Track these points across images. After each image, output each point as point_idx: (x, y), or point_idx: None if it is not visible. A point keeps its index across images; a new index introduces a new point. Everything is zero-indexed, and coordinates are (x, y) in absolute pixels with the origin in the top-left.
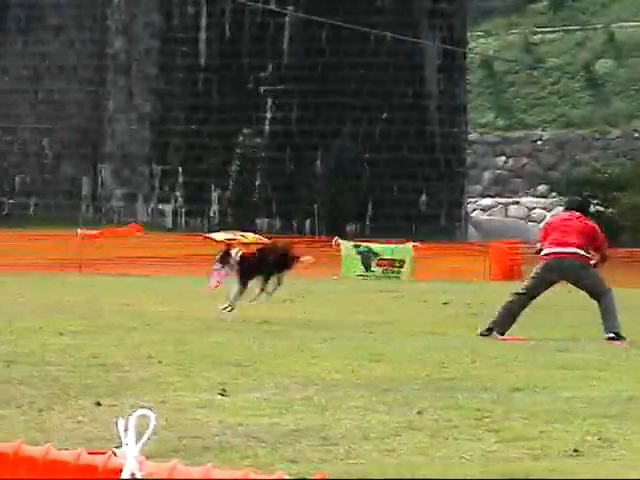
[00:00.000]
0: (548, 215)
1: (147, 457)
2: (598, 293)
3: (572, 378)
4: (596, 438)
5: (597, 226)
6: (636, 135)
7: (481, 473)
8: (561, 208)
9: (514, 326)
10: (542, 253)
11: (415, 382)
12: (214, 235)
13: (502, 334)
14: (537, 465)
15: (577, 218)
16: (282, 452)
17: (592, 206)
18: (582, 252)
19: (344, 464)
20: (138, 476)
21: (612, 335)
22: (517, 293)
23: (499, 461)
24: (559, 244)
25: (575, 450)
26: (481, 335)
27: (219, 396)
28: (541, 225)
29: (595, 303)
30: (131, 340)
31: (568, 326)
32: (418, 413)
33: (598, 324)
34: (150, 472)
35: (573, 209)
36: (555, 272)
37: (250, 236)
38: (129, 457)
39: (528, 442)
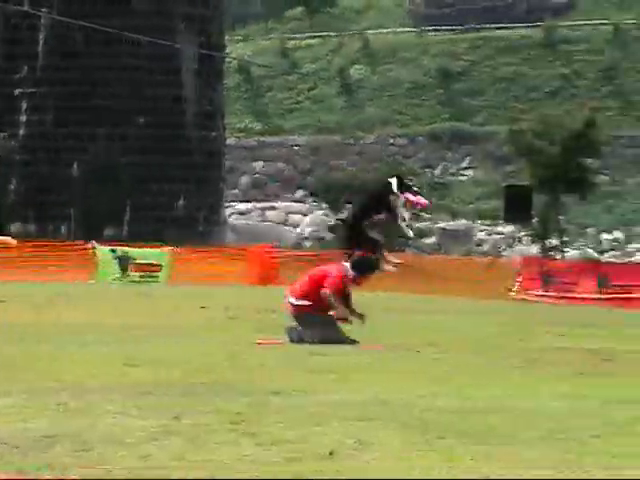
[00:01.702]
0: (306, 220)
1: None
2: None
3: (329, 381)
4: (352, 440)
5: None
6: (390, 141)
7: (238, 476)
8: (320, 213)
9: (273, 329)
10: None
11: (172, 387)
12: None
13: None
14: (293, 468)
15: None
16: (36, 457)
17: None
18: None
19: (99, 470)
20: None
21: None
22: None
23: (256, 464)
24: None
25: (331, 453)
26: None
27: None
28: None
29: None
30: None
31: None
32: (175, 418)
33: (355, 327)
34: None
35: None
36: None
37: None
38: None
39: (285, 445)
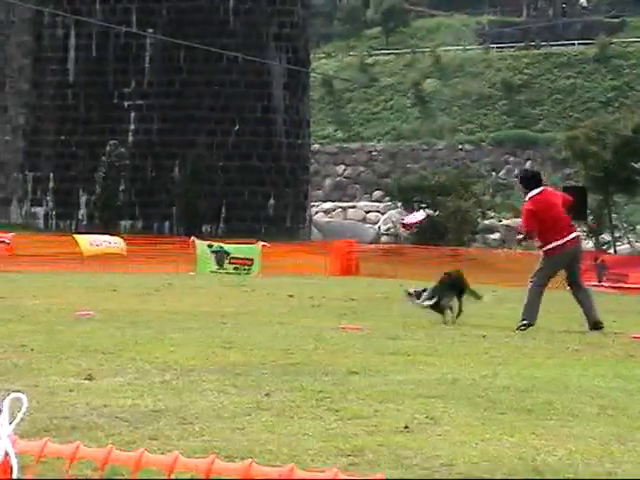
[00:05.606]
0: (382, 218)
1: (21, 436)
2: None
3: (402, 363)
4: (424, 416)
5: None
6: (459, 147)
7: (321, 447)
8: (394, 211)
9: (353, 316)
10: (552, 245)
11: (264, 367)
12: (79, 238)
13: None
14: (371, 440)
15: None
16: (143, 430)
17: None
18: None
19: (199, 441)
20: (11, 453)
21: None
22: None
23: (337, 437)
24: (563, 235)
25: (405, 427)
26: (519, 330)
27: (86, 381)
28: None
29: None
30: (6, 330)
31: (398, 316)
32: (266, 395)
33: (423, 314)
34: (22, 449)
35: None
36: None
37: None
38: (2, 436)
39: (364, 420)
